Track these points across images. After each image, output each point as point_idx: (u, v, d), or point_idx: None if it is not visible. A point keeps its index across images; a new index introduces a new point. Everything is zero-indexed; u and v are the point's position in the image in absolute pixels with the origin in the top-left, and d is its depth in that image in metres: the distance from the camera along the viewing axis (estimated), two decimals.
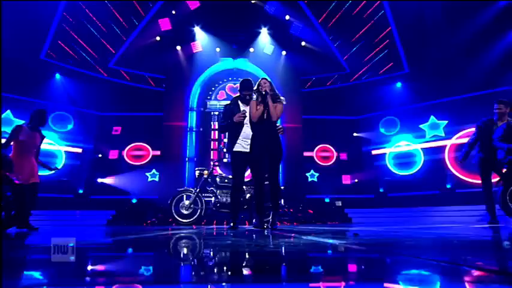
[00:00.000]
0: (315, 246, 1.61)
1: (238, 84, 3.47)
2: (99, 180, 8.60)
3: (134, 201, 8.42)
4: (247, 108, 3.29)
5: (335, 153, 9.41)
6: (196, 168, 5.41)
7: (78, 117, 8.43)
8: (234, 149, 3.29)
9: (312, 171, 9.28)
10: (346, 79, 9.57)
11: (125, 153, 8.92)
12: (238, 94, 3.44)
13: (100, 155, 8.74)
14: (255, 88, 3.18)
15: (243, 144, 3.33)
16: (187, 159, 8.92)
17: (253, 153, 3.15)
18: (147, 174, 8.86)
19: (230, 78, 9.50)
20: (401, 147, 8.89)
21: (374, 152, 9.30)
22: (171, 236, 2.56)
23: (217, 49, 9.22)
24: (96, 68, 8.76)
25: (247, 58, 9.39)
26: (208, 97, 9.33)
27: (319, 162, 9.34)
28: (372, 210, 8.26)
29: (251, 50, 9.28)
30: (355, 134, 9.55)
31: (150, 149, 8.98)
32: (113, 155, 8.86)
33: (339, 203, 8.35)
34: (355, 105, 9.38)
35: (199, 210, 5.24)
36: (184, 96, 9.16)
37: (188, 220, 5.26)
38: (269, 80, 3.20)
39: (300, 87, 9.52)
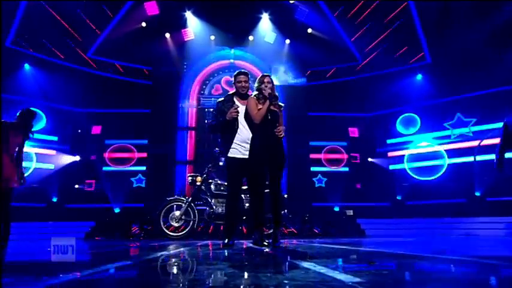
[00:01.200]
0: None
1: (233, 77, 3.36)
2: (76, 186, 8.42)
3: (117, 210, 8.24)
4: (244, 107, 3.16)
5: (346, 155, 9.23)
6: (189, 174, 5.50)
7: (51, 114, 8.16)
8: (229, 155, 3.18)
9: (319, 176, 9.13)
10: (359, 71, 9.37)
11: (106, 155, 8.72)
12: (234, 90, 3.34)
13: (77, 158, 8.48)
14: (255, 85, 3.12)
15: (239, 149, 3.19)
16: (178, 162, 8.77)
17: (254, 160, 3.04)
18: (132, 179, 8.70)
19: (226, 71, 9.25)
20: (422, 149, 8.69)
21: (390, 154, 9.09)
22: (148, 263, 2.25)
23: (212, 37, 9.08)
24: (72, 58, 8.49)
25: (246, 47, 9.23)
26: (202, 92, 9.14)
27: (327, 165, 9.17)
28: (387, 220, 8.03)
29: (250, 38, 9.15)
30: (368, 134, 9.37)
31: (135, 151, 8.82)
32: (92, 157, 8.66)
33: (350, 212, 8.10)
34: (369, 101, 9.14)
35: (191, 222, 5.17)
36: (174, 90, 8.99)
37: (179, 234, 5.18)
38: (271, 79, 3.14)
39: (306, 80, 9.32)
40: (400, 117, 9.01)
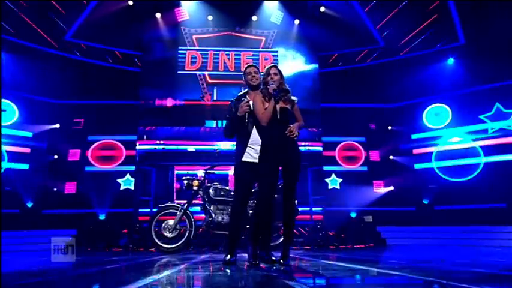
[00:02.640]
0: None
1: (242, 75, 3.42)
2: (55, 189, 8.22)
3: (102, 217, 8.04)
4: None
5: (364, 153, 9.04)
6: (184, 178, 5.31)
7: (25, 107, 8.00)
8: (243, 159, 3.19)
9: (333, 177, 8.93)
10: (380, 55, 9.19)
11: (89, 153, 8.52)
12: (246, 90, 3.42)
13: (56, 156, 8.31)
14: (262, 77, 3.16)
15: (251, 152, 3.18)
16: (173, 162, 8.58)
17: (263, 166, 3.01)
18: (120, 180, 8.52)
19: (227, 54, 8.97)
20: (454, 145, 8.49)
21: (416, 151, 8.86)
22: None
23: (209, 17, 8.89)
24: (48, 41, 8.25)
25: (248, 29, 9.01)
26: (201, 81, 8.83)
27: (342, 164, 8.98)
28: (412, 228, 7.83)
29: (254, 18, 9.03)
30: (390, 128, 9.17)
31: (123, 148, 8.61)
32: (74, 155, 8.47)
33: (369, 219, 7.95)
34: (392, 90, 8.93)
35: (187, 233, 5.10)
36: (167, 78, 8.71)
37: (173, 246, 5.09)
38: (279, 69, 3.16)
39: (318, 67, 9.11)
40: (428, 108, 8.85)
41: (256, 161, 3.11)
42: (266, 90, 3.06)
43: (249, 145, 3.19)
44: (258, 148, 3.14)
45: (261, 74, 3.27)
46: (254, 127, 3.19)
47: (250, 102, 3.19)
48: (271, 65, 3.19)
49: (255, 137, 3.20)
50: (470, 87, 8.24)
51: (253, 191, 3.62)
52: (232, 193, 4.98)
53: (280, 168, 3.05)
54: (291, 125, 3.00)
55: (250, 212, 4.93)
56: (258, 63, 8.75)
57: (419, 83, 8.55)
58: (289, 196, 3.05)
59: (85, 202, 8.03)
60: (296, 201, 5.48)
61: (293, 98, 3.12)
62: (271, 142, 3.03)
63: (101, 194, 8.15)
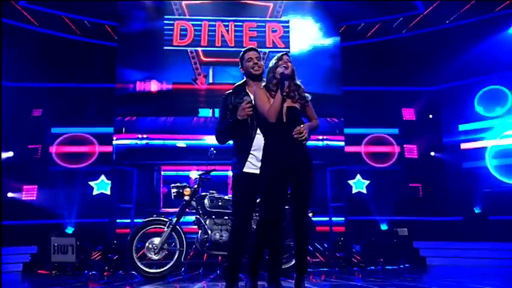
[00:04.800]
0: None
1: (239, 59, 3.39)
2: (10, 195, 8.02)
3: (70, 230, 7.76)
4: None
5: (397, 148, 8.80)
6: (173, 185, 5.29)
7: None
8: (244, 170, 3.19)
9: (358, 178, 8.73)
10: (418, 25, 8.78)
11: (53, 149, 8.29)
12: (243, 80, 3.40)
13: (11, 154, 8.06)
14: (269, 65, 3.12)
15: (253, 161, 3.18)
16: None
17: (265, 176, 3.04)
18: (92, 183, 8.37)
19: (225, 24, 8.69)
20: None
21: (464, 146, 8.55)
22: None
23: None
24: None
25: None
26: (193, 60, 8.61)
27: (370, 162, 8.78)
28: (460, 244, 7.49)
29: None
30: (431, 116, 8.94)
31: (96, 143, 8.43)
32: (34, 152, 8.27)
33: (404, 232, 7.61)
34: (433, 68, 8.62)
35: (176, 253, 5.05)
36: (151, 56, 8.53)
37: (158, 271, 5.03)
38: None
39: (340, 40, 8.83)
40: (481, 91, 8.47)
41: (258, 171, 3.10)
42: (272, 84, 3.01)
43: (251, 152, 3.15)
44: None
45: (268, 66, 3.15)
46: (257, 130, 3.16)
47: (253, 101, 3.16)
48: (284, 52, 3.17)
49: (258, 142, 3.15)
50: None
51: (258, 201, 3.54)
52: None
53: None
54: (301, 126, 2.97)
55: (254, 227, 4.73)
56: (265, 36, 8.52)
57: (470, 59, 8.23)
58: (300, 215, 2.99)
59: (48, 211, 7.84)
60: (311, 214, 5.50)
61: (306, 94, 3.11)
62: (275, 145, 3.01)
63: (68, 200, 7.96)
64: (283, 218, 3.04)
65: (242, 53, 3.34)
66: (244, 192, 3.19)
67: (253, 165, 3.15)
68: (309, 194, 3.05)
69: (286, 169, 2.96)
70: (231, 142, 3.35)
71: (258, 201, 3.38)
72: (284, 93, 2.97)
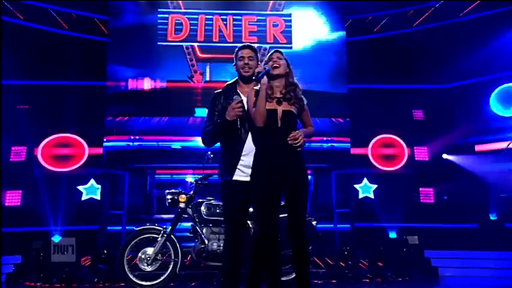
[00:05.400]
0: None
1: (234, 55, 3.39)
2: None
3: (57, 239, 7.52)
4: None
5: (407, 150, 8.72)
6: (167, 191, 5.30)
7: None
8: (234, 178, 3.20)
9: (365, 182, 8.67)
10: (430, 18, 8.78)
11: (39, 152, 8.18)
12: (235, 79, 3.40)
13: None
14: (260, 66, 3.15)
15: (243, 169, 3.18)
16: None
17: (258, 186, 3.05)
18: (81, 188, 8.26)
19: (223, 18, 8.65)
20: None
21: (479, 148, 8.52)
22: None
23: None
24: None
25: None
26: (189, 56, 8.58)
27: (378, 165, 8.70)
28: (475, 253, 7.35)
29: None
30: (443, 116, 8.86)
31: (85, 145, 8.30)
32: (18, 155, 8.22)
33: (415, 240, 7.52)
34: (445, 65, 8.59)
35: (171, 264, 5.03)
36: (144, 52, 8.48)
37: (152, 284, 5.02)
38: (285, 56, 3.19)
39: (346, 35, 8.81)
40: (497, 89, 8.38)
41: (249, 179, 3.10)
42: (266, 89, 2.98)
43: (241, 158, 3.12)
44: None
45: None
46: (249, 133, 3.15)
47: (244, 100, 3.12)
48: (276, 50, 3.17)
49: (250, 146, 3.14)
50: None
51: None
52: None
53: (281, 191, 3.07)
54: (296, 131, 2.98)
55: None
56: (265, 31, 8.47)
57: (485, 54, 8.17)
58: (296, 225, 2.97)
59: (34, 217, 7.73)
60: (315, 222, 5.57)
61: (302, 97, 3.10)
62: (265, 151, 3.01)
63: (55, 206, 7.84)
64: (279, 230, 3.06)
65: (237, 49, 3.30)
66: (233, 202, 3.17)
67: (243, 172, 3.12)
68: (305, 205, 3.06)
69: (281, 178, 2.96)
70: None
71: (251, 209, 3.41)
72: (281, 96, 2.97)
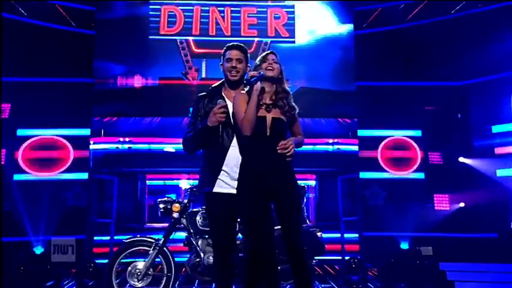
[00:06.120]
0: None
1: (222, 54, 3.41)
2: None
3: (39, 250, 7.54)
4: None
5: (420, 153, 8.71)
6: (160, 200, 5.33)
7: None
8: (214, 190, 3.22)
9: (374, 187, 8.66)
10: (446, 9, 8.66)
11: (19, 154, 8.18)
12: (221, 81, 3.41)
13: None
14: (252, 69, 3.17)
15: (225, 179, 3.19)
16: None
17: (246, 200, 3.04)
18: (66, 194, 8.29)
19: (220, 10, 8.65)
20: None
21: (499, 151, 8.43)
22: None
23: None
24: None
25: None
26: (184, 51, 8.60)
27: (388, 169, 8.69)
28: (494, 265, 7.28)
29: None
30: (459, 116, 8.87)
31: (70, 148, 8.29)
32: None
33: (429, 251, 7.47)
34: (461, 60, 8.47)
35: (164, 279, 5.06)
36: (134, 46, 8.46)
37: None
38: (279, 61, 3.19)
39: (354, 28, 8.73)
40: None
41: (234, 191, 3.07)
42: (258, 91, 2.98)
43: (223, 168, 3.11)
44: (237, 172, 3.07)
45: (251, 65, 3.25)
46: (233, 141, 3.15)
47: (229, 106, 3.12)
48: (270, 51, 3.21)
49: (232, 156, 3.13)
50: None
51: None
52: None
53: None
54: (286, 140, 3.00)
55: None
56: (266, 23, 8.47)
57: (506, 48, 8.06)
58: (291, 237, 2.99)
59: (13, 226, 7.65)
60: (320, 233, 5.59)
61: (293, 105, 3.12)
62: (256, 168, 3.00)
63: (37, 214, 7.82)
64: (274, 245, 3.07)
65: (225, 48, 3.28)
66: (213, 215, 3.20)
67: (225, 184, 3.11)
68: (299, 215, 3.12)
69: (270, 190, 2.98)
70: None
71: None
72: (271, 102, 2.97)
